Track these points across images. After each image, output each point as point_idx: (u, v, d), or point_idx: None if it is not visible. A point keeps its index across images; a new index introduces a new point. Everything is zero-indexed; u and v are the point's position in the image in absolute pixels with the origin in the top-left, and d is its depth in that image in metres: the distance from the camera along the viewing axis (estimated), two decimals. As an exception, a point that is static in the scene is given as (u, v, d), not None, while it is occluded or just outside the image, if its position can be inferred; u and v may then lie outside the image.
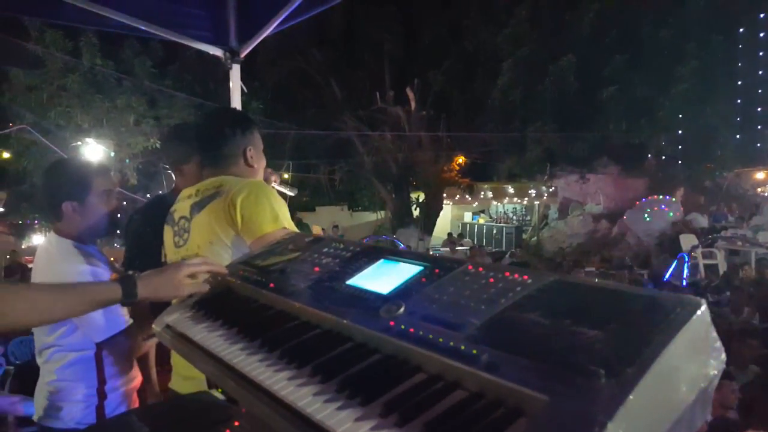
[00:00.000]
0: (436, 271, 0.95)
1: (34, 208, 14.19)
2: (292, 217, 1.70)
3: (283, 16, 2.94)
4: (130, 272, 1.24)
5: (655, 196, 15.63)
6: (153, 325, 1.24)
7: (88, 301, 1.21)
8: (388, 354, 0.82)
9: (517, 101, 17.53)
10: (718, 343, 0.68)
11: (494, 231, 20.29)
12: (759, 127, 16.58)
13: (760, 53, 16.57)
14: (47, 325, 1.76)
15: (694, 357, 0.65)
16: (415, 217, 19.35)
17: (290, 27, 3.24)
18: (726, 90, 16.49)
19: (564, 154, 17.77)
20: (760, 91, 16.38)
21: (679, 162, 17.86)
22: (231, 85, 3.39)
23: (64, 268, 1.79)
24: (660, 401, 0.60)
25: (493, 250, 17.11)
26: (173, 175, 2.39)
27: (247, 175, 1.80)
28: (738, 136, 17.06)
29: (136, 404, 1.97)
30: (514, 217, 22.18)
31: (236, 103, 3.33)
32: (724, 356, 0.68)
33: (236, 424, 1.10)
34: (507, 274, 0.86)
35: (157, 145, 11.59)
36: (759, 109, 16.64)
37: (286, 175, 14.87)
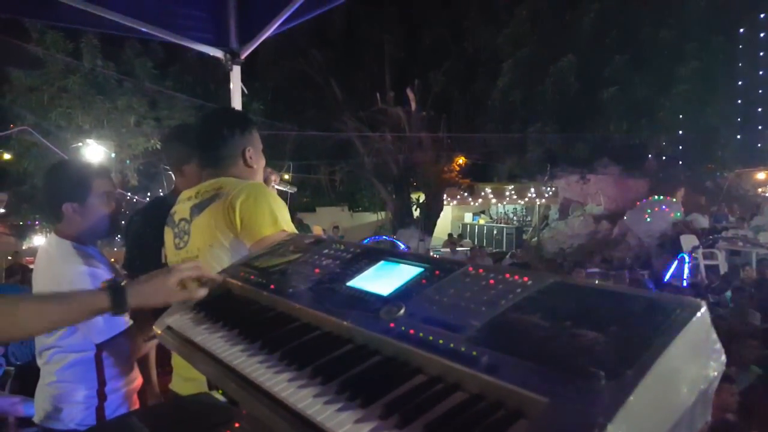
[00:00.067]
0: (437, 272, 0.95)
1: (35, 209, 14.18)
2: (293, 218, 1.70)
3: (283, 18, 2.94)
4: (119, 280, 1.20)
5: (656, 197, 15.62)
6: (153, 327, 1.24)
7: (75, 313, 1.17)
8: (389, 356, 0.82)
9: (518, 102, 17.54)
10: (718, 345, 0.68)
11: (495, 232, 20.26)
12: (759, 127, 16.56)
13: (761, 53, 16.55)
14: None
15: (694, 359, 0.65)
16: (415, 217, 19.36)
17: (291, 28, 3.24)
18: (726, 90, 16.48)
19: (564, 155, 17.77)
20: (760, 91, 16.37)
21: (680, 162, 17.85)
22: (231, 86, 3.39)
23: (64, 269, 1.79)
24: (660, 403, 0.60)
25: (494, 250, 17.10)
26: (173, 176, 2.39)
27: (246, 176, 1.80)
28: (739, 137, 17.05)
29: (136, 405, 1.97)
30: (515, 218, 22.16)
31: (237, 104, 3.33)
32: (724, 358, 0.68)
33: (237, 425, 1.10)
34: (507, 275, 0.86)
35: (158, 146, 11.60)
36: (759, 110, 16.62)
37: (286, 176, 14.88)
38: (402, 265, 1.02)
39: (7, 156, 13.71)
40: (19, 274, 7.38)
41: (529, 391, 0.61)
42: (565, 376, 0.60)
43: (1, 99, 12.49)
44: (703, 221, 14.57)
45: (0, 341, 3.57)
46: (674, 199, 15.61)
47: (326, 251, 1.23)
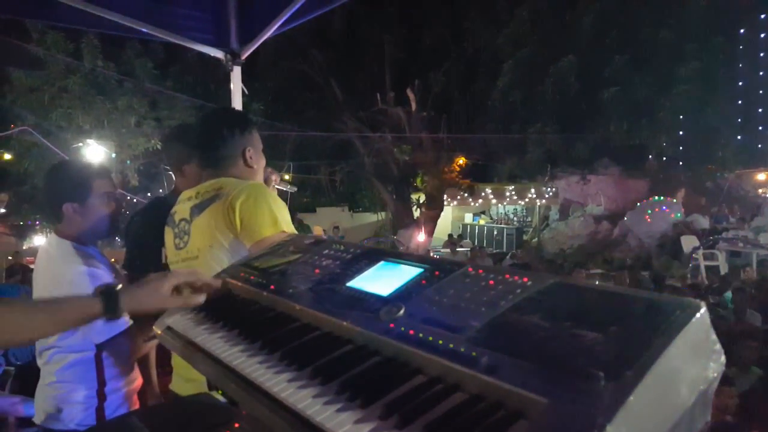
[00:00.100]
0: (437, 273, 0.95)
1: (36, 209, 14.19)
2: (293, 218, 1.70)
3: (283, 18, 2.95)
4: (112, 285, 1.17)
5: (657, 198, 15.62)
6: (154, 327, 1.24)
7: (67, 320, 1.14)
8: (388, 356, 0.82)
9: (518, 102, 17.54)
10: (718, 346, 0.68)
11: (495, 232, 20.27)
12: (760, 128, 16.57)
13: (761, 54, 16.56)
14: None
15: (693, 359, 0.65)
16: (415, 218, 19.36)
17: (291, 28, 3.24)
18: (727, 91, 16.47)
19: (565, 155, 17.77)
20: (761, 91, 16.37)
21: (680, 163, 17.85)
22: (232, 86, 3.39)
23: (64, 270, 1.79)
24: (659, 404, 0.60)
25: (494, 251, 17.11)
26: (174, 176, 2.39)
27: (246, 176, 1.80)
28: (739, 137, 17.04)
29: (136, 406, 1.98)
30: (515, 218, 22.17)
31: (237, 104, 3.33)
32: (723, 359, 0.68)
33: (236, 426, 1.10)
34: (507, 276, 0.86)
35: (158, 147, 11.60)
36: (760, 110, 16.63)
37: (287, 176, 14.90)
38: (402, 266, 1.03)
39: (7, 156, 13.72)
40: (20, 274, 7.38)
41: (528, 391, 0.61)
42: (565, 376, 0.61)
43: (1, 99, 12.50)
44: (704, 222, 14.57)
45: None
46: (675, 200, 15.61)
47: (326, 252, 1.23)
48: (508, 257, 14.39)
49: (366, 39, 18.80)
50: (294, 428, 0.74)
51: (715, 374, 0.66)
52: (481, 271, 0.91)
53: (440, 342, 0.76)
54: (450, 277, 0.92)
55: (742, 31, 16.84)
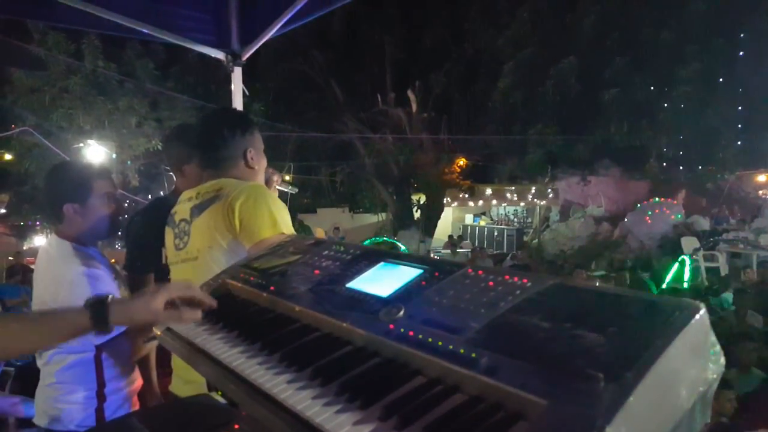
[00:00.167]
0: (436, 274, 0.95)
1: (36, 209, 14.20)
2: (294, 219, 1.70)
3: (284, 20, 2.95)
4: (103, 297, 1.12)
5: (657, 199, 15.61)
6: (154, 328, 1.24)
7: (56, 334, 1.11)
8: (388, 357, 0.82)
9: (519, 103, 17.55)
10: (718, 347, 0.68)
11: (495, 233, 20.26)
12: (761, 129, 16.55)
13: (762, 55, 16.55)
14: None
15: (693, 361, 0.65)
16: (416, 219, 19.36)
17: (292, 29, 3.24)
18: (727, 92, 16.46)
19: (565, 157, 17.77)
20: (761, 93, 16.36)
21: (681, 164, 17.83)
22: (233, 87, 3.39)
23: (64, 270, 1.79)
24: (659, 405, 0.60)
25: (495, 252, 17.10)
26: (174, 176, 2.39)
27: (247, 177, 1.80)
28: (739, 139, 17.04)
29: (136, 407, 1.97)
30: (516, 220, 22.18)
31: (238, 105, 3.33)
32: (723, 360, 0.68)
33: (236, 427, 1.10)
34: (507, 277, 0.86)
35: (159, 147, 11.61)
36: (760, 112, 16.61)
37: (287, 177, 14.89)
38: (402, 267, 1.03)
39: (8, 157, 13.73)
40: (20, 274, 7.39)
41: (528, 393, 0.61)
42: (565, 378, 0.61)
43: (2, 100, 12.50)
44: (704, 223, 14.56)
45: None
46: (675, 201, 15.59)
47: (326, 252, 1.23)
48: (508, 258, 14.39)
49: (367, 40, 18.83)
50: (294, 429, 0.74)
51: (715, 375, 0.66)
52: (480, 272, 0.91)
53: (440, 343, 0.76)
54: (450, 278, 0.92)
55: (742, 31, 16.83)
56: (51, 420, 1.81)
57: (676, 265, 10.48)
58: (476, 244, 18.30)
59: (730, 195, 16.72)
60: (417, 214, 19.66)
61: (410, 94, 17.79)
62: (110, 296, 1.11)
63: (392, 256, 1.10)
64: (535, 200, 20.16)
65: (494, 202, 21.80)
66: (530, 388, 0.62)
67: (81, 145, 11.09)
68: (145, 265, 2.24)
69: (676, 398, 0.62)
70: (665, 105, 16.47)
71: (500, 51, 17.96)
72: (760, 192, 17.32)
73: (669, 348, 0.61)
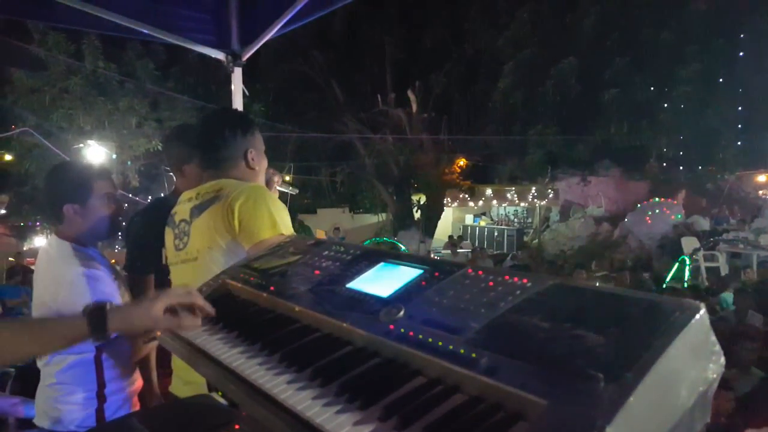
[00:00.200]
0: (436, 274, 0.95)
1: (36, 210, 14.20)
2: (294, 219, 1.70)
3: (284, 20, 2.95)
4: (102, 304, 1.10)
5: (657, 199, 15.61)
6: (154, 328, 1.24)
7: (53, 342, 1.10)
8: (388, 357, 0.82)
9: (519, 104, 17.55)
10: (717, 347, 0.68)
11: (495, 233, 20.27)
12: (761, 129, 16.55)
13: (762, 55, 16.54)
14: None
15: (693, 361, 0.65)
16: (416, 219, 19.37)
17: (292, 30, 3.24)
18: (727, 92, 16.46)
19: (565, 157, 17.77)
20: (761, 93, 16.35)
21: (681, 165, 17.83)
22: (233, 87, 3.40)
23: (64, 271, 1.79)
24: (659, 405, 0.60)
25: (495, 252, 17.11)
26: (174, 176, 2.39)
27: (248, 178, 1.79)
28: (740, 140, 17.03)
29: (136, 407, 1.97)
30: (516, 220, 22.18)
31: (238, 105, 3.33)
32: (723, 360, 0.68)
33: (236, 427, 1.10)
34: (507, 277, 0.86)
35: (159, 148, 11.62)
36: (760, 112, 16.61)
37: (287, 177, 14.89)
38: (402, 267, 1.03)
39: (8, 157, 13.74)
40: (20, 275, 7.40)
41: (528, 393, 0.61)
42: (565, 378, 0.61)
43: (2, 100, 12.51)
44: (704, 223, 14.56)
45: None
46: (675, 202, 15.60)
47: (326, 253, 1.23)
48: (508, 258, 14.39)
49: (367, 40, 18.83)
50: (294, 430, 0.74)
51: (715, 375, 0.66)
52: (480, 272, 0.91)
53: (440, 343, 0.76)
54: (450, 279, 0.92)
55: (742, 32, 16.82)
56: (51, 420, 1.81)
57: (676, 265, 10.49)
58: (476, 245, 18.31)
59: (730, 195, 16.72)
60: (417, 215, 19.66)
61: (410, 95, 17.79)
62: (109, 304, 1.09)
63: (392, 256, 1.10)
64: (535, 200, 20.17)
65: (494, 202, 21.81)
66: (530, 388, 0.62)
67: (81, 145, 11.09)
68: (145, 265, 2.24)
69: (676, 398, 0.62)
70: (665, 105, 16.47)
71: (500, 51, 17.96)
72: (760, 192, 17.32)
73: (669, 348, 0.61)
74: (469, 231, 21.48)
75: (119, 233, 2.19)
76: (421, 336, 0.79)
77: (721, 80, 16.23)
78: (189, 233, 1.72)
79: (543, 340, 0.69)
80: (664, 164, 18.13)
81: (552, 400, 0.59)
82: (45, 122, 12.12)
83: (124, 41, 12.85)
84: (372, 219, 21.77)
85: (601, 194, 17.78)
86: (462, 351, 0.72)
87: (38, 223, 15.31)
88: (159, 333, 1.22)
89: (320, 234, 16.20)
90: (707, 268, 10.68)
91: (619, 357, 0.61)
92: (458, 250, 14.93)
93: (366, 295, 0.98)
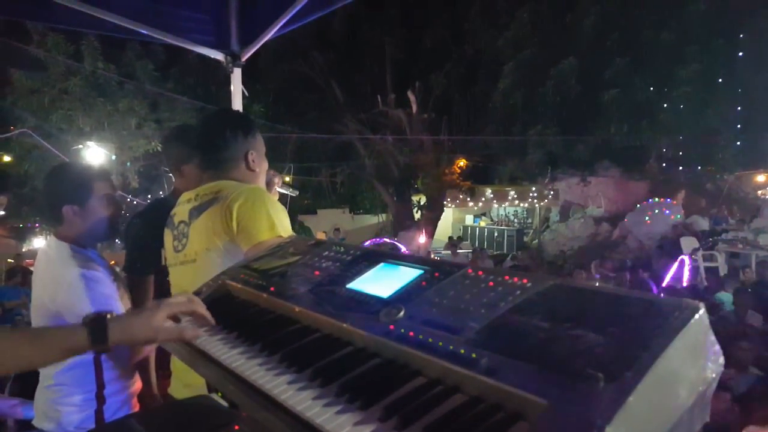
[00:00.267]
0: (436, 274, 0.95)
1: (36, 211, 14.20)
2: (294, 220, 1.70)
3: (284, 20, 2.95)
4: (102, 314, 1.08)
5: (657, 199, 15.62)
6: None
7: (51, 353, 1.07)
8: (388, 358, 0.82)
9: (519, 104, 17.54)
10: (717, 347, 0.68)
11: (495, 234, 20.29)
12: (760, 129, 16.55)
13: (762, 55, 16.55)
14: None
15: (692, 360, 0.65)
16: (416, 219, 19.36)
17: (292, 30, 3.24)
18: (727, 92, 16.47)
19: (565, 157, 17.76)
20: (761, 93, 16.36)
21: (680, 165, 17.84)
22: (232, 88, 3.39)
23: (63, 272, 1.79)
24: (658, 405, 0.60)
25: (495, 252, 17.11)
26: (173, 177, 2.39)
27: (248, 179, 1.79)
28: (739, 140, 17.04)
29: (136, 409, 1.97)
30: (516, 220, 22.20)
31: (237, 106, 3.33)
32: (722, 359, 0.68)
33: (236, 428, 1.10)
34: (506, 277, 0.87)
35: (159, 149, 11.61)
36: (760, 112, 16.61)
37: (287, 178, 14.89)
38: (402, 268, 1.03)
39: (7, 158, 13.72)
40: (20, 276, 7.39)
41: (528, 393, 0.61)
42: (564, 378, 0.61)
43: (1, 101, 12.50)
44: (704, 223, 14.56)
45: None
46: (674, 202, 15.60)
47: (326, 253, 1.23)
48: (508, 259, 14.39)
49: (367, 41, 18.82)
50: (294, 430, 0.74)
51: (714, 375, 0.67)
52: (480, 272, 0.91)
53: (440, 344, 0.76)
54: (450, 279, 0.92)
55: (742, 32, 16.83)
56: (50, 421, 1.81)
57: (676, 265, 10.49)
58: (476, 245, 18.32)
59: (729, 195, 16.73)
60: (417, 215, 19.66)
61: (410, 95, 17.77)
62: (109, 314, 1.07)
63: (392, 256, 1.10)
64: (535, 201, 20.17)
65: (494, 202, 21.81)
66: (530, 388, 0.62)
67: (80, 146, 11.09)
68: (144, 266, 2.24)
69: (676, 398, 0.62)
70: (665, 105, 16.46)
71: (500, 52, 17.95)
72: (760, 192, 17.32)
73: (668, 348, 0.61)
74: (469, 231, 21.49)
75: (118, 235, 2.19)
76: (421, 336, 0.79)
77: (720, 80, 16.23)
78: (188, 235, 1.72)
79: (543, 340, 0.69)
80: (664, 164, 18.13)
81: (552, 400, 0.59)
82: (44, 123, 12.10)
83: (124, 42, 12.85)
84: (372, 220, 21.76)
85: (601, 194, 17.78)
86: (462, 351, 0.72)
87: (37, 225, 15.31)
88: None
89: (320, 235, 16.20)
90: (706, 268, 10.68)
91: (619, 357, 0.61)
92: (458, 251, 14.93)
93: (366, 295, 0.98)
